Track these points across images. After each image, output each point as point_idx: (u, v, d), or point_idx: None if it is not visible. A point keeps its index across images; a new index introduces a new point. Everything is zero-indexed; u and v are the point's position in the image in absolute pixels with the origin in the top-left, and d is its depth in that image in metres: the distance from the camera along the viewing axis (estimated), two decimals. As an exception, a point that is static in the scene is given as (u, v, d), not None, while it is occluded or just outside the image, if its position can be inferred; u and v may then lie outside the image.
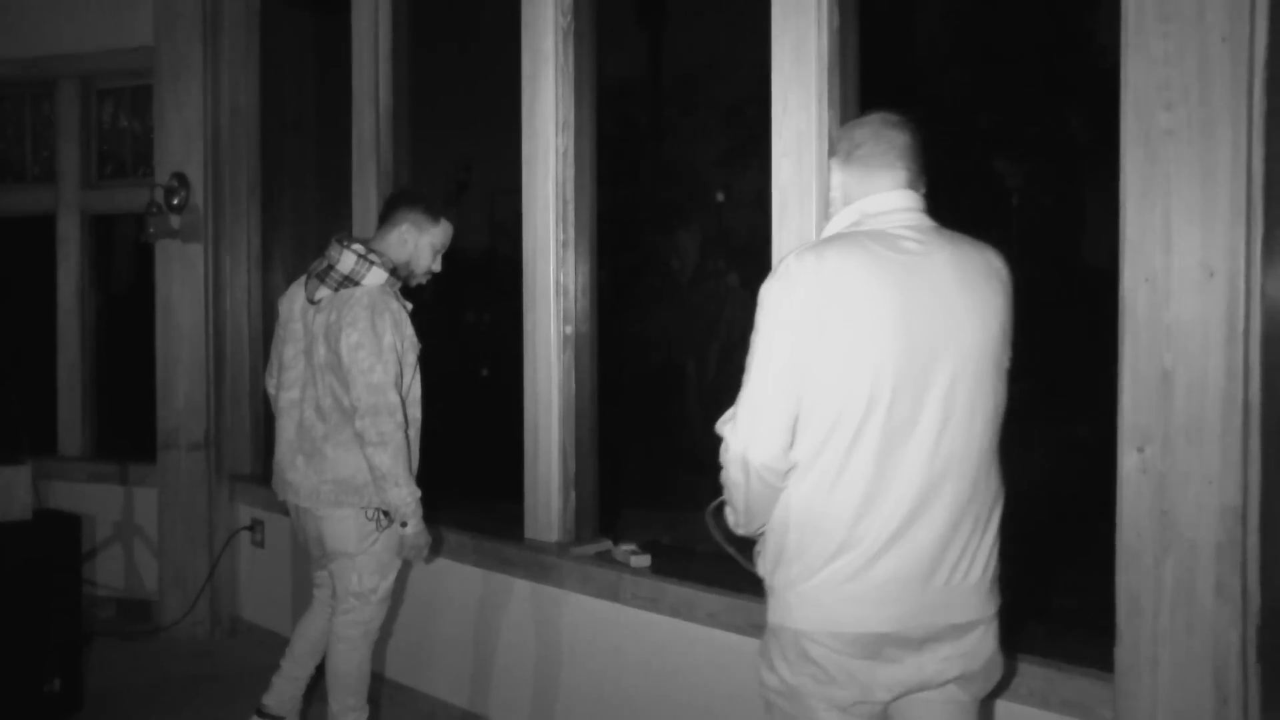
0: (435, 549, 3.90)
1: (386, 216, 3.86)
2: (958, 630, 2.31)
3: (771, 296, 2.29)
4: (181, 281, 5.55)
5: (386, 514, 3.70)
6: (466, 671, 4.41)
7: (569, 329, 4.11)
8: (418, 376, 3.78)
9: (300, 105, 5.94)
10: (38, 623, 4.41)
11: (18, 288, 6.47)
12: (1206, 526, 2.46)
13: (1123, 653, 2.62)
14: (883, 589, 2.25)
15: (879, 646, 2.27)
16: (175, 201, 5.47)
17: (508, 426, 4.47)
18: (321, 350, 3.69)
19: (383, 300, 3.63)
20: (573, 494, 4.13)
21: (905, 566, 2.26)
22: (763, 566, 2.41)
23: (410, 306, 3.79)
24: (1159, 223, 2.50)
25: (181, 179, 5.49)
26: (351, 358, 3.56)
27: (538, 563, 4.08)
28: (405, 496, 3.61)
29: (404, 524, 3.65)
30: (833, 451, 2.24)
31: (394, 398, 3.59)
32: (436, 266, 3.88)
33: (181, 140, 5.57)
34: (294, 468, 3.80)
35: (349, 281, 3.66)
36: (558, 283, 4.10)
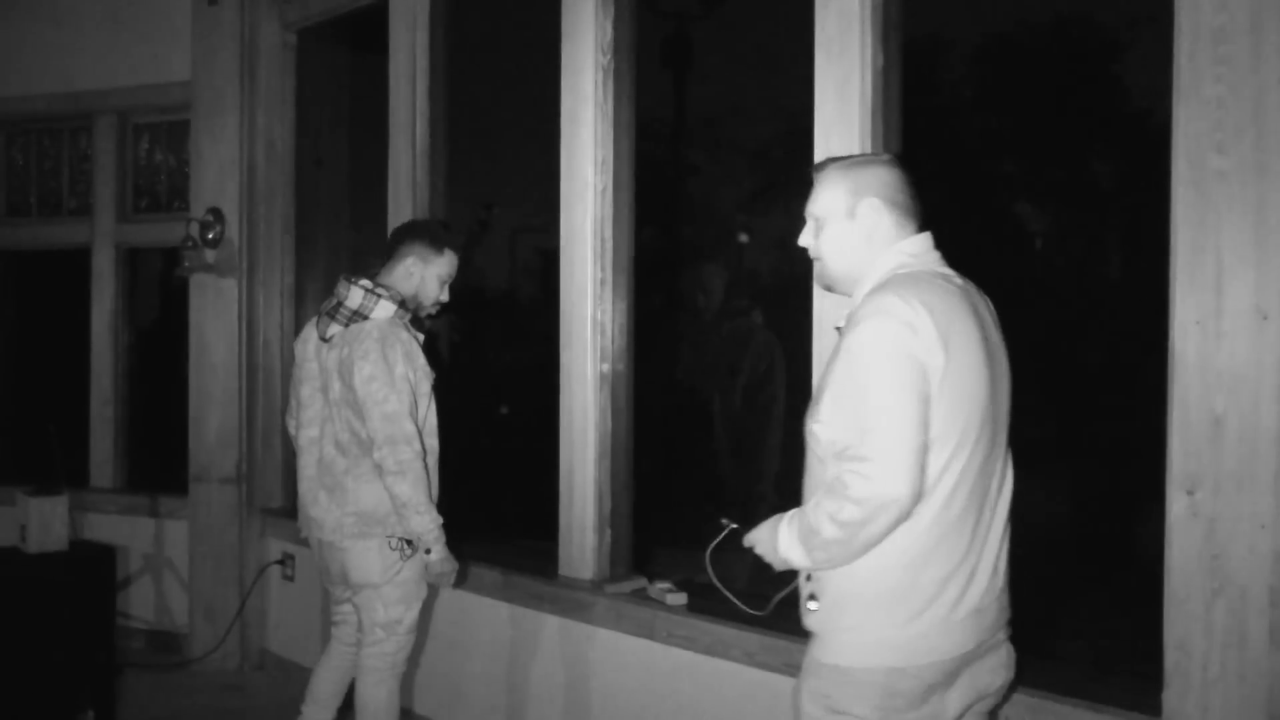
0: (462, 577, 3.89)
1: (392, 250, 3.90)
2: (998, 640, 2.44)
3: (887, 334, 2.23)
4: (215, 315, 5.59)
5: (409, 543, 3.72)
6: (499, 708, 4.39)
7: (605, 367, 4.11)
8: (433, 406, 3.81)
9: (335, 141, 5.98)
10: (73, 652, 4.43)
11: (52, 320, 6.52)
12: (1259, 571, 2.45)
13: (1171, 698, 2.61)
14: (972, 609, 2.33)
15: (961, 665, 2.35)
16: (210, 236, 5.51)
17: (534, 464, 4.48)
18: (337, 386, 3.73)
19: (392, 332, 3.68)
20: (608, 532, 4.12)
21: (984, 584, 2.36)
22: (823, 615, 2.37)
23: (422, 338, 3.84)
24: (1210, 266, 2.50)
25: (217, 214, 5.53)
26: (366, 390, 3.60)
27: (572, 600, 4.07)
28: (428, 524, 3.63)
29: (428, 551, 3.68)
30: (946, 484, 2.26)
31: (410, 427, 3.62)
32: (445, 296, 3.91)
33: (217, 175, 5.62)
34: (317, 503, 3.82)
35: (358, 316, 3.71)
36: (595, 320, 4.10)
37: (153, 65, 5.96)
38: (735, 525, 2.49)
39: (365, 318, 3.70)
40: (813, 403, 2.40)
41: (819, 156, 3.40)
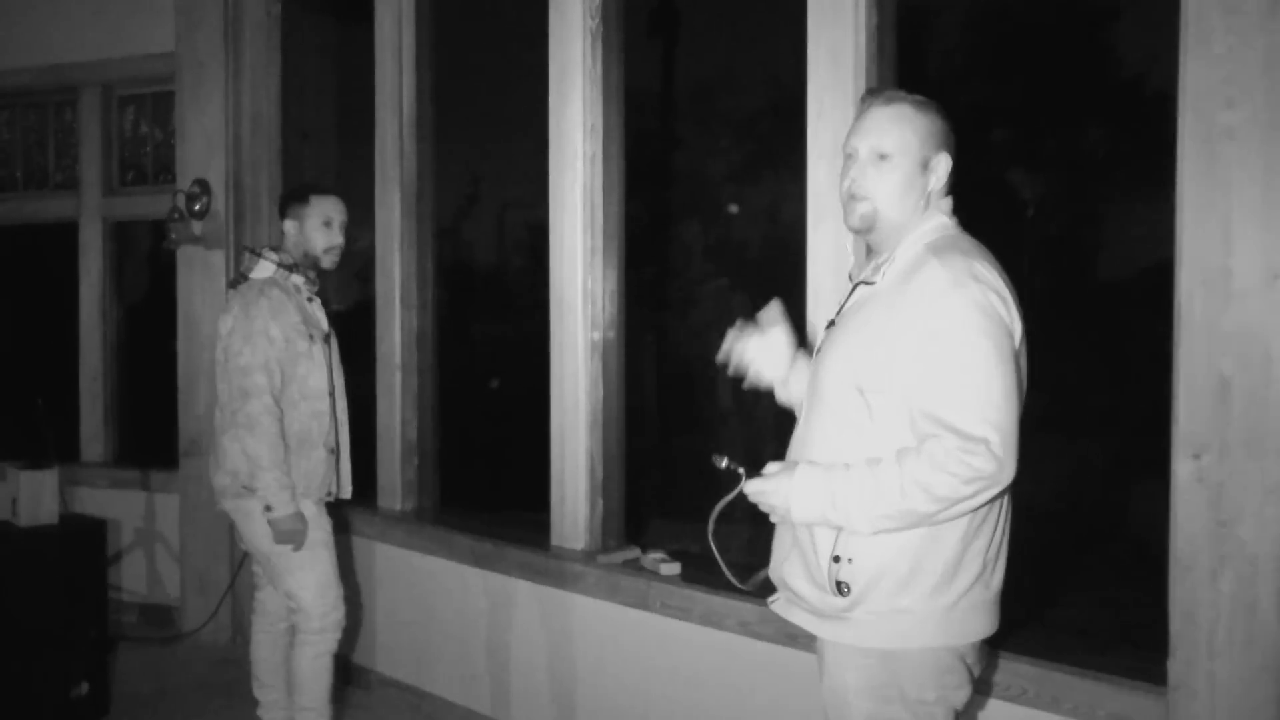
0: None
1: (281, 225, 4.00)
2: None
3: (986, 306, 2.12)
4: (203, 288, 5.52)
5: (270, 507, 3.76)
6: (490, 678, 4.36)
7: (596, 335, 4.06)
8: (319, 366, 3.86)
9: (322, 112, 5.90)
10: (66, 626, 4.41)
11: (40, 295, 6.47)
12: (1269, 538, 2.40)
13: (1177, 666, 2.56)
14: (996, 590, 2.34)
15: (980, 648, 2.38)
16: (197, 208, 5.44)
17: (523, 437, 4.44)
18: (220, 347, 3.82)
19: (263, 288, 3.78)
20: (600, 501, 4.08)
21: (1004, 566, 2.36)
22: (862, 598, 2.25)
23: (314, 298, 3.91)
24: (1218, 225, 2.44)
25: (204, 185, 5.46)
26: (226, 343, 3.74)
27: (565, 571, 4.02)
28: (269, 481, 3.66)
29: (268, 508, 3.68)
30: None
31: (259, 380, 3.67)
32: (336, 239, 3.94)
33: (203, 147, 5.54)
34: (210, 469, 3.93)
35: (241, 277, 3.86)
36: (585, 289, 4.04)
37: (136, 37, 5.88)
38: (740, 468, 2.30)
39: (245, 278, 3.84)
40: (836, 357, 2.29)
41: (812, 123, 3.34)
